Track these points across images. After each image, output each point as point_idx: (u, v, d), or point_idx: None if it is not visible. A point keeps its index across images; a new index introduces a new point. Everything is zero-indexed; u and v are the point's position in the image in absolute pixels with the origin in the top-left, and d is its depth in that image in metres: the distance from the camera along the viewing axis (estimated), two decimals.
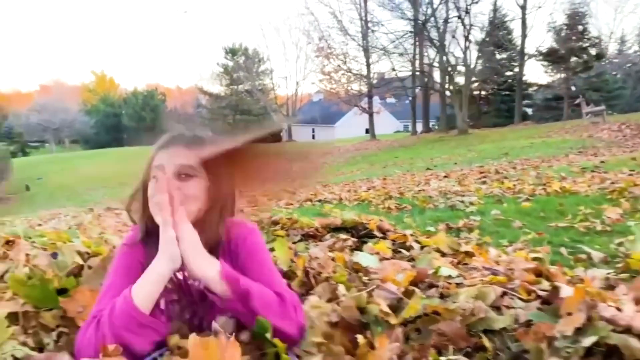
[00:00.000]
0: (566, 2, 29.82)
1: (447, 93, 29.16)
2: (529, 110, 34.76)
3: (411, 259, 1.94)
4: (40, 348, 1.24)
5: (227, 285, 1.07)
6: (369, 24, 31.63)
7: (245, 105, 53.61)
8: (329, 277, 1.56)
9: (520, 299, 1.38)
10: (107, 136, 60.26)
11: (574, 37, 29.23)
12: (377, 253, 1.96)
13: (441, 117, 31.36)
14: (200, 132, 1.25)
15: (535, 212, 4.12)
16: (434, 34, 28.61)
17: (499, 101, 33.87)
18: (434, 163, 12.91)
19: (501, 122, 30.66)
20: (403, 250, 2.09)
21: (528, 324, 1.25)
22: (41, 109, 59.35)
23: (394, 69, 31.74)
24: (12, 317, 1.29)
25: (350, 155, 24.24)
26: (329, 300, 1.38)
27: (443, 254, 1.97)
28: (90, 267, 1.62)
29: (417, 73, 31.49)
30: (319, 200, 5.94)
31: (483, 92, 34.81)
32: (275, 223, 2.62)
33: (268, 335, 1.05)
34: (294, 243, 2.27)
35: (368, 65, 32.18)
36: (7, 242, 2.00)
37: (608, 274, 1.69)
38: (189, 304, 1.20)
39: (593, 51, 30.02)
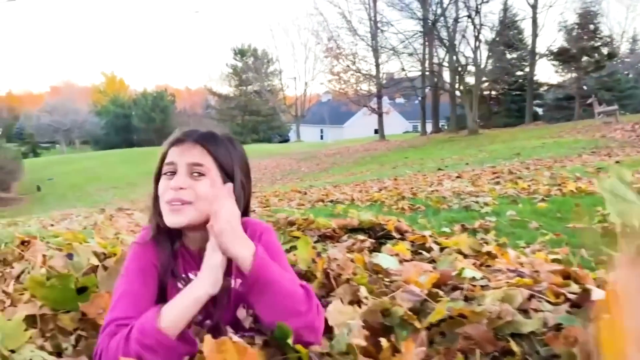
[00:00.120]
0: (577, 1, 29.67)
1: (457, 93, 29.04)
2: (540, 110, 34.46)
3: (432, 261, 1.90)
4: (59, 352, 1.21)
5: (259, 268, 1.05)
6: (378, 24, 31.59)
7: (254, 106, 53.92)
8: (350, 279, 1.52)
9: (549, 301, 1.34)
10: (117, 137, 60.57)
11: (585, 37, 29.03)
12: (397, 254, 1.92)
13: (451, 117, 31.19)
14: (214, 128, 1.24)
15: (552, 212, 4.06)
16: (443, 34, 28.51)
17: (509, 101, 33.56)
18: (445, 163, 12.79)
19: (512, 122, 30.44)
20: (423, 252, 2.05)
21: (557, 327, 1.21)
22: (52, 110, 60.01)
23: (403, 69, 31.70)
24: (30, 320, 1.27)
25: (359, 155, 24.20)
26: (351, 303, 1.35)
27: (465, 256, 1.93)
28: (106, 268, 1.60)
29: (427, 73, 31.39)
30: (331, 201, 5.90)
31: (493, 92, 34.51)
32: (292, 224, 2.59)
33: (289, 340, 1.02)
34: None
35: (377, 65, 32.14)
36: (23, 243, 1.99)
37: None
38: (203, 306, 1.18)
39: (605, 50, 29.79)
